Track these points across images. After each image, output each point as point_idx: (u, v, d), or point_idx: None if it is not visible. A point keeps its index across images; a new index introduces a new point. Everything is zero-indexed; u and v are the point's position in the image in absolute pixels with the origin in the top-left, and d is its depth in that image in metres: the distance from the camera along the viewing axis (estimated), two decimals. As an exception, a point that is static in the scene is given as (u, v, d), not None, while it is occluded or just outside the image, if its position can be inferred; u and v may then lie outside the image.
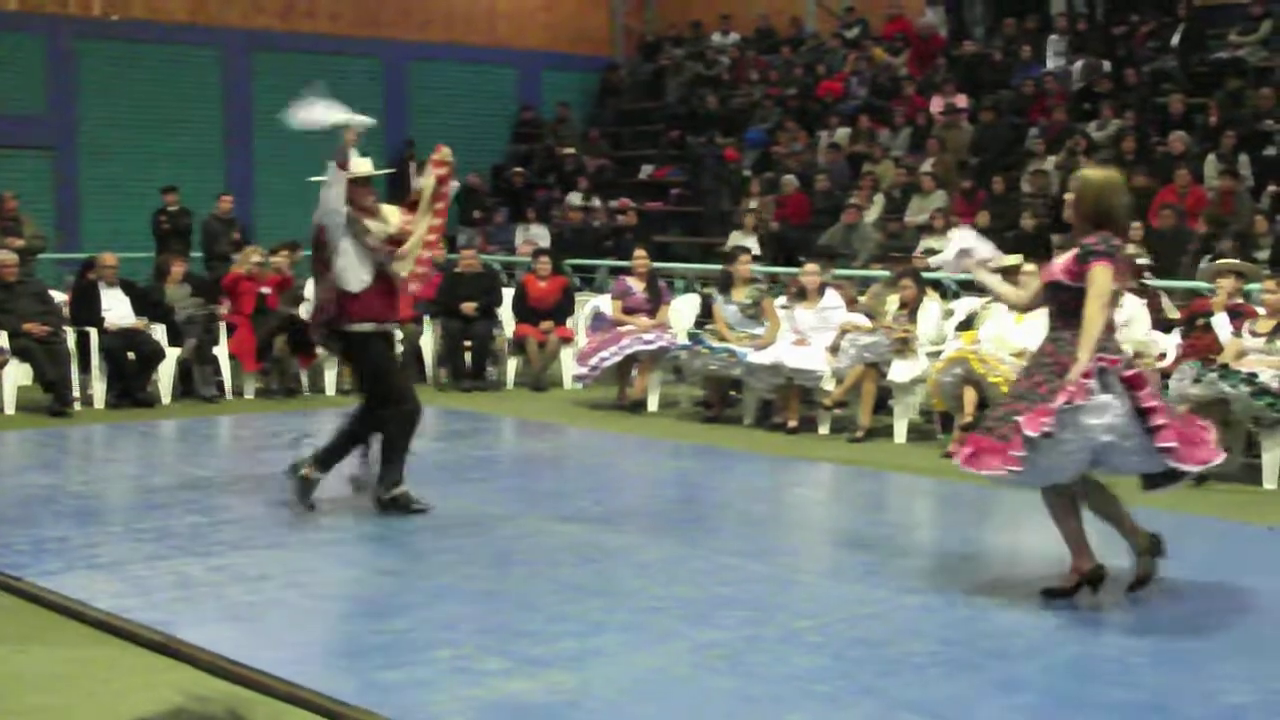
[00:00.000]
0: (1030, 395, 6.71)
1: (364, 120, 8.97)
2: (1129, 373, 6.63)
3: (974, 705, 5.41)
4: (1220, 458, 6.98)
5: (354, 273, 8.38)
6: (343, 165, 8.51)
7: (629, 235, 19.00)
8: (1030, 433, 6.45)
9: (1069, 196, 7.28)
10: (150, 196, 19.15)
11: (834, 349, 12.06)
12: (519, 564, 7.54)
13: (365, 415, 8.65)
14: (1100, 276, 6.66)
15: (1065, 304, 6.79)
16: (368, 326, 8.45)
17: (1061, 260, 6.96)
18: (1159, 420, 6.55)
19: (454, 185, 8.93)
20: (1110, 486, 6.98)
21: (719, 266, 15.24)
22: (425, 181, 8.72)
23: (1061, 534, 6.99)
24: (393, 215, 8.68)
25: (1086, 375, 6.49)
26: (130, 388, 13.25)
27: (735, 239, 17.43)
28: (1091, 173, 7.15)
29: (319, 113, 8.77)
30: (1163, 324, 11.50)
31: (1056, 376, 6.64)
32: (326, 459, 8.70)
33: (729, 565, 7.47)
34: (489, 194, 22.88)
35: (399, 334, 9.05)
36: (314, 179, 8.77)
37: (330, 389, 14.29)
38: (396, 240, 8.56)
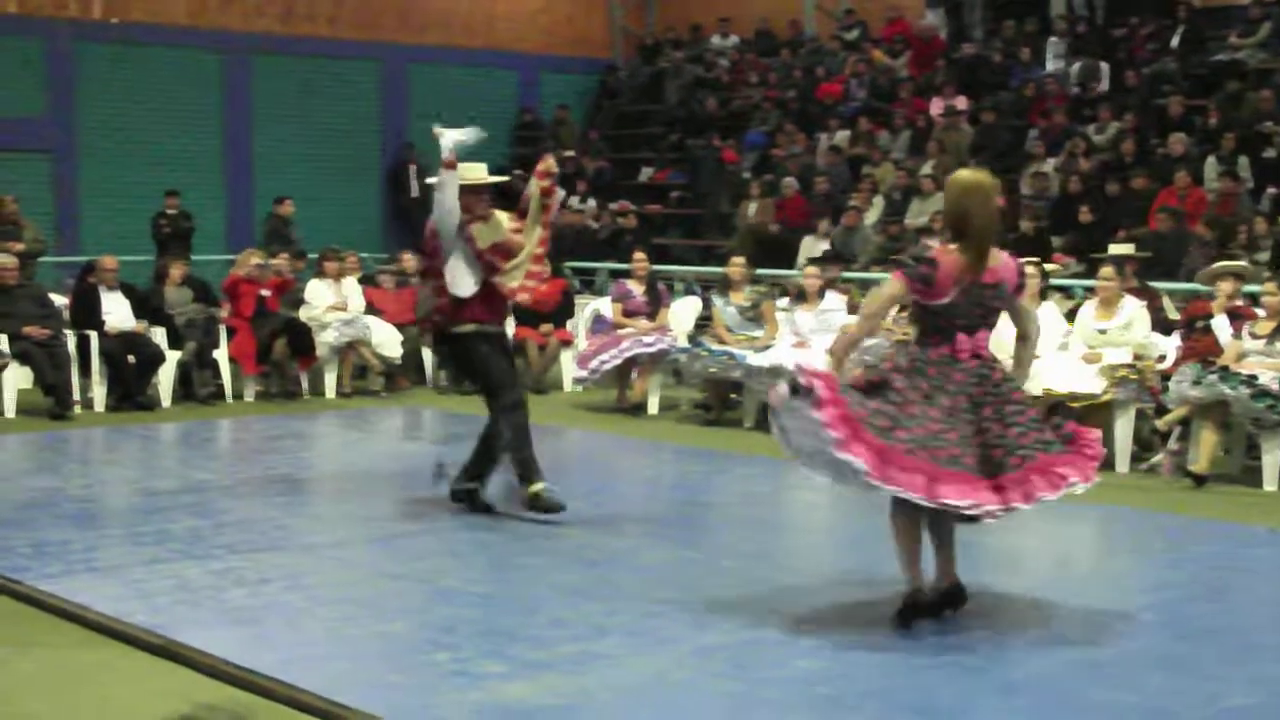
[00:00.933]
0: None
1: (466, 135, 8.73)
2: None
3: (974, 707, 5.41)
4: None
5: (462, 278, 8.41)
6: (450, 166, 8.45)
7: (629, 238, 18.98)
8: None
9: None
10: (150, 199, 19.17)
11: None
12: (518, 567, 7.54)
13: (492, 415, 8.72)
14: (886, 286, 6.52)
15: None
16: (470, 327, 8.51)
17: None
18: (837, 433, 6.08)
19: (560, 194, 8.90)
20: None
21: (719, 269, 15.24)
22: (531, 190, 8.68)
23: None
24: (504, 222, 8.63)
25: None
26: (130, 391, 13.25)
27: (807, 247, 17.14)
28: (960, 175, 6.57)
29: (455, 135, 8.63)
30: (1163, 326, 11.51)
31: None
32: (475, 471, 8.85)
33: (729, 568, 7.47)
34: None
35: (506, 333, 9.02)
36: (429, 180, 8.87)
37: (330, 391, 14.29)
38: (503, 248, 8.51)
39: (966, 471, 6.19)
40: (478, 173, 8.69)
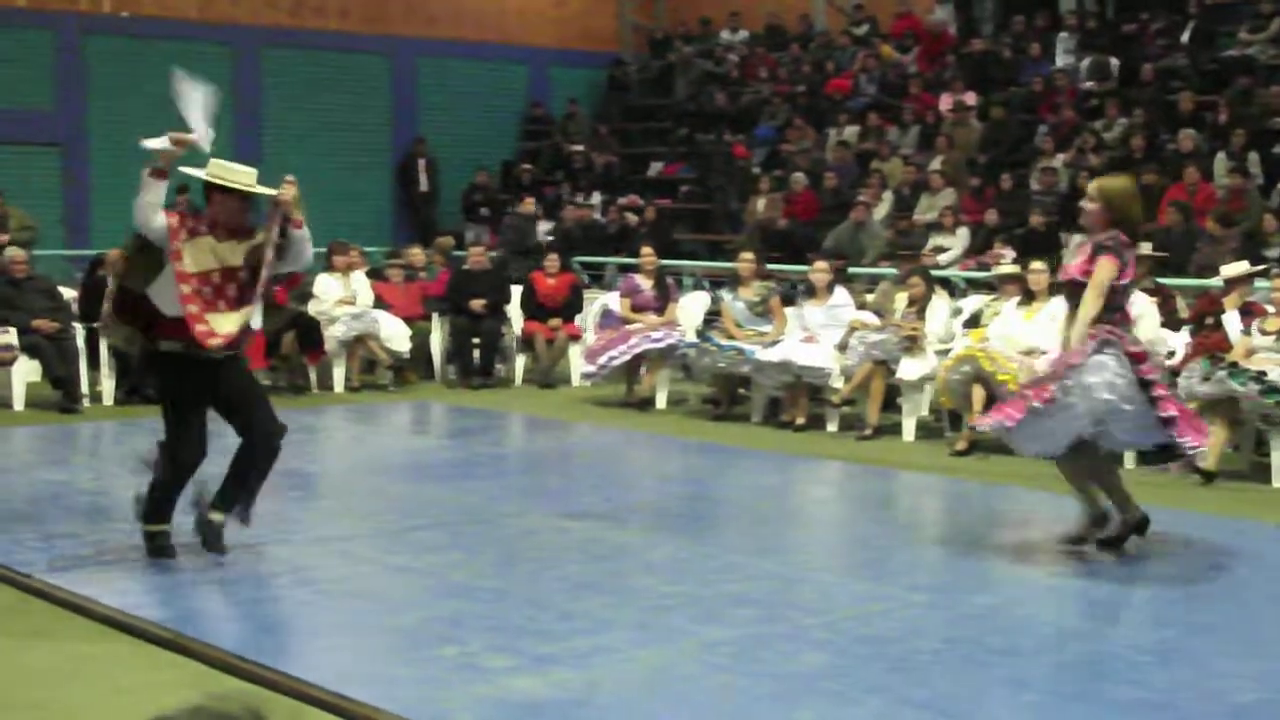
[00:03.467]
0: (1048, 376, 7.43)
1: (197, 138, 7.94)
2: (1134, 348, 7.28)
3: (981, 703, 5.41)
4: (1204, 447, 7.80)
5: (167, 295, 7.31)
6: (156, 175, 7.73)
7: (642, 231, 18.97)
8: (1035, 403, 7.26)
9: (1087, 204, 7.55)
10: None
11: (843, 346, 12.06)
12: (526, 561, 7.55)
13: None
14: (1102, 268, 7.28)
15: (1080, 299, 7.39)
16: (176, 346, 7.30)
17: (1077, 260, 7.54)
18: (1160, 391, 7.23)
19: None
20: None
21: (728, 264, 15.24)
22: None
23: (1105, 490, 7.73)
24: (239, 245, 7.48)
25: (1091, 349, 7.20)
26: (139, 384, 13.26)
27: (933, 240, 17.02)
28: (1110, 182, 7.72)
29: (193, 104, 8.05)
30: (1172, 322, 11.49)
31: None
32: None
33: (737, 563, 7.48)
34: (498, 191, 22.89)
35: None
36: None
37: (338, 386, 14.30)
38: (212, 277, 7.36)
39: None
40: (236, 175, 7.72)
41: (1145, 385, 7.23)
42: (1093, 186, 7.78)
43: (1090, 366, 7.21)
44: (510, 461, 11.32)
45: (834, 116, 20.87)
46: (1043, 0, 21.10)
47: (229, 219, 7.51)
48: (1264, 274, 11.60)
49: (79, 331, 13.10)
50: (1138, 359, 7.26)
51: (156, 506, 7.36)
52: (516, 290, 15.37)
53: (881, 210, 18.26)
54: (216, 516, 7.40)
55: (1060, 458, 7.67)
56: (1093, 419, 7.25)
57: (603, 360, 13.18)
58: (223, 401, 7.50)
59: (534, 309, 15.00)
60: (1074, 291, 7.46)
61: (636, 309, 13.64)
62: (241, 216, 7.56)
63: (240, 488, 7.47)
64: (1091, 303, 7.31)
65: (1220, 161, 16.33)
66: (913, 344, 11.79)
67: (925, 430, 12.00)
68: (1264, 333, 10.31)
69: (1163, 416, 7.23)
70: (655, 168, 22.41)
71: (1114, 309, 7.40)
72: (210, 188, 7.67)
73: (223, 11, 21.83)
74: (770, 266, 14.78)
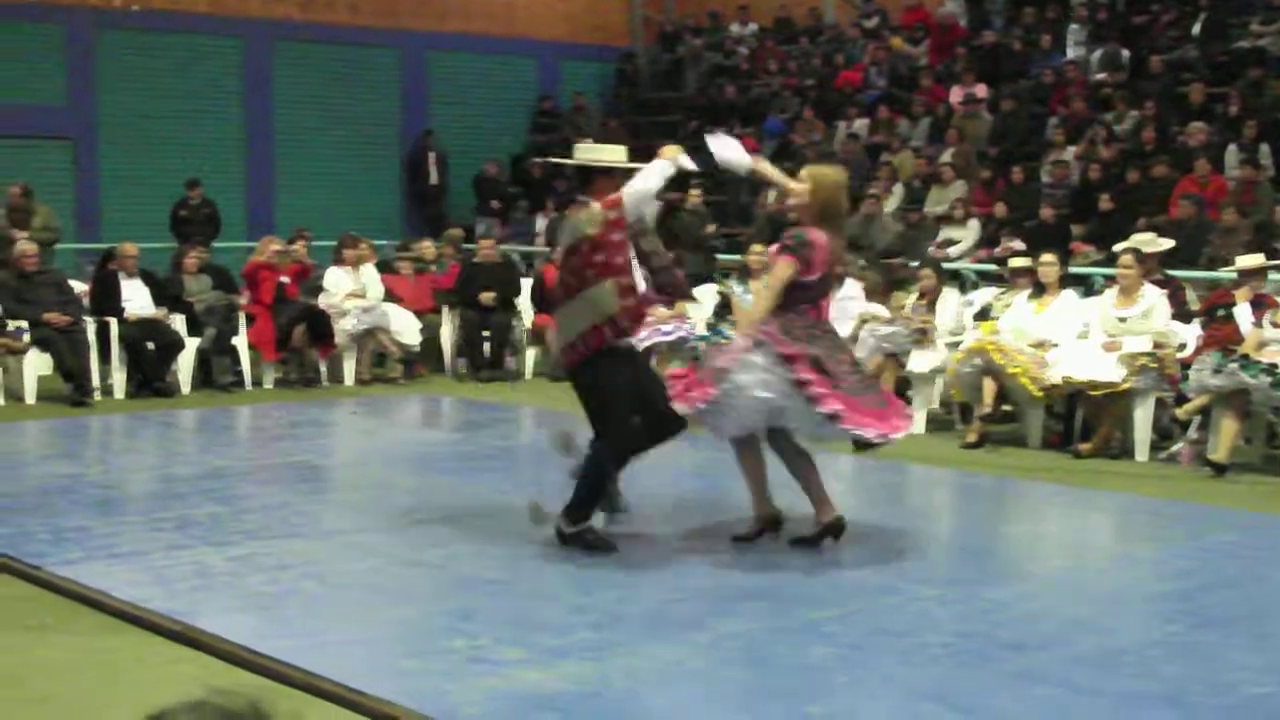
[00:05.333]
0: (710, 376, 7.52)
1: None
2: (788, 349, 7.22)
3: (992, 696, 5.40)
4: (906, 427, 7.57)
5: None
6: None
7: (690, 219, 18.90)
8: (700, 404, 7.36)
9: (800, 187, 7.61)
10: (170, 187, 19.21)
11: (853, 339, 12.03)
12: (536, 554, 7.54)
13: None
14: (779, 267, 7.41)
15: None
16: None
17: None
18: (817, 390, 7.17)
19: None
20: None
21: (738, 256, 15.22)
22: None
23: (803, 489, 7.68)
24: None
25: (745, 347, 7.31)
26: (150, 378, 13.29)
27: (944, 233, 17.04)
28: (821, 170, 7.86)
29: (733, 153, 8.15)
30: (1183, 314, 11.47)
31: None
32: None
33: (747, 556, 7.47)
34: (508, 184, 22.89)
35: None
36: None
37: (349, 379, 14.32)
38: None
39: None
40: (613, 155, 7.95)
41: (800, 385, 7.19)
42: (804, 172, 7.76)
43: (741, 366, 7.27)
44: (520, 454, 11.32)
45: (844, 109, 20.84)
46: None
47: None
48: (1277, 267, 11.57)
49: (90, 324, 13.12)
50: (790, 360, 7.20)
51: (588, 504, 7.57)
52: (526, 283, 15.37)
53: (892, 203, 18.24)
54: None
55: (742, 454, 7.69)
56: (759, 415, 7.34)
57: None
58: (638, 392, 7.61)
59: (544, 302, 14.98)
60: None
61: (646, 302, 13.60)
62: None
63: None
64: (763, 301, 7.45)
65: (1231, 153, 16.29)
66: (923, 337, 11.77)
67: (936, 423, 11.98)
68: (1275, 325, 10.28)
69: (825, 413, 7.18)
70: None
71: (799, 305, 7.39)
72: (591, 170, 7.72)
73: (233, 5, 21.84)
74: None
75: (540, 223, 21.00)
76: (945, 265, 13.94)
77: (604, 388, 7.50)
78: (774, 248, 7.77)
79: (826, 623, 6.27)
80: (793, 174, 8.04)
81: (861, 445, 7.84)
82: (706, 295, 14.51)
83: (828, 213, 7.53)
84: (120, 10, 20.82)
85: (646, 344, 13.04)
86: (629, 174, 7.60)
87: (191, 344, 13.58)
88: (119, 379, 13.22)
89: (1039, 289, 11.30)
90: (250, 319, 13.92)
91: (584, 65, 25.01)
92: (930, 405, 11.99)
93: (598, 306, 7.46)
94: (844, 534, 7.60)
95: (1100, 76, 18.98)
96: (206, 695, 2.10)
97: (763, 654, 5.84)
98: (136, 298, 13.46)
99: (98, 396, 12.94)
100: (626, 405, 7.51)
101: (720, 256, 18.30)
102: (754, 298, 7.81)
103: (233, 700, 2.09)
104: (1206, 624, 6.40)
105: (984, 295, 12.85)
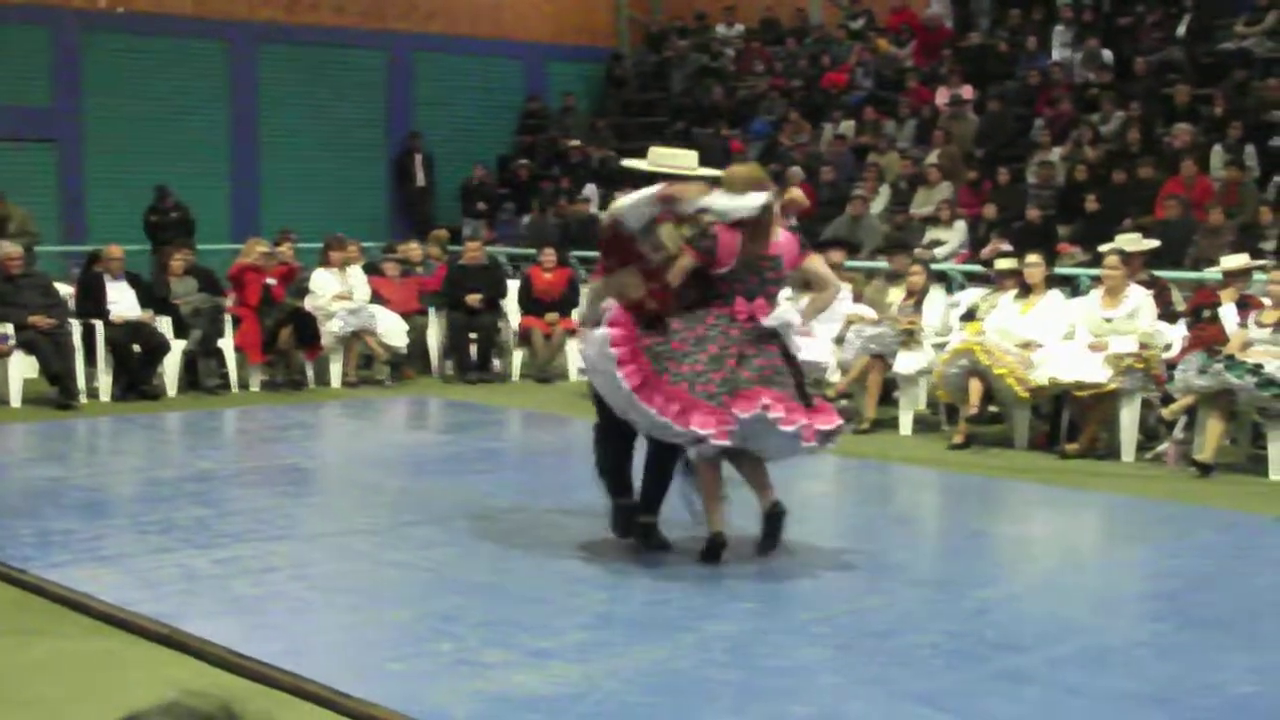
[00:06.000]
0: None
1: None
2: (622, 338, 7.10)
3: (979, 696, 5.41)
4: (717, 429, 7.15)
5: None
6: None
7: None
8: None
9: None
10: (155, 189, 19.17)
11: (839, 340, 12.05)
12: (523, 556, 7.53)
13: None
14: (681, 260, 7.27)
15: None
16: None
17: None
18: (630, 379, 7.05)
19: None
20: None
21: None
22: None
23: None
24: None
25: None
26: (136, 380, 13.25)
27: (930, 234, 17.03)
28: (744, 168, 7.79)
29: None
30: (1169, 315, 11.49)
31: None
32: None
33: (734, 557, 7.46)
34: (495, 186, 22.88)
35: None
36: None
37: (335, 381, 14.30)
38: None
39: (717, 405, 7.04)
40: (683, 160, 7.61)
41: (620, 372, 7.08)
42: (726, 172, 7.62)
43: (586, 343, 7.40)
44: (507, 456, 11.31)
45: (830, 110, 20.86)
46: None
47: None
48: (1262, 268, 11.60)
49: (75, 327, 13.08)
50: (622, 361, 7.06)
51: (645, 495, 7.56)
52: (513, 285, 15.37)
53: (878, 204, 18.26)
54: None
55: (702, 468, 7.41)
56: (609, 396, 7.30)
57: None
58: None
59: (531, 304, 14.99)
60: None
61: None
62: None
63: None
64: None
65: (1217, 154, 16.32)
66: (909, 338, 11.79)
67: (922, 424, 12.00)
68: (1261, 325, 10.31)
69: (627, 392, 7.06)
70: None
71: (715, 297, 7.27)
72: (660, 177, 7.42)
73: (218, 7, 21.80)
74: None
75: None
76: (932, 266, 13.95)
77: None
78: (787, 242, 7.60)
79: (814, 624, 6.27)
80: (778, 176, 8.02)
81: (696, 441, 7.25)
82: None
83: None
84: (105, 12, 20.79)
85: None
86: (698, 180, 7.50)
87: (177, 346, 13.54)
88: (105, 381, 13.19)
89: (1025, 290, 11.32)
90: (236, 321, 13.89)
91: (570, 66, 25.00)
92: (917, 406, 12.01)
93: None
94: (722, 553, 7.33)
95: (1086, 77, 19.01)
96: (179, 696, 2.09)
97: (750, 655, 5.83)
98: (122, 300, 13.42)
99: (83, 399, 12.90)
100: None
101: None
102: None
103: (205, 701, 2.08)
104: (1193, 624, 6.41)
105: (970, 296, 12.86)
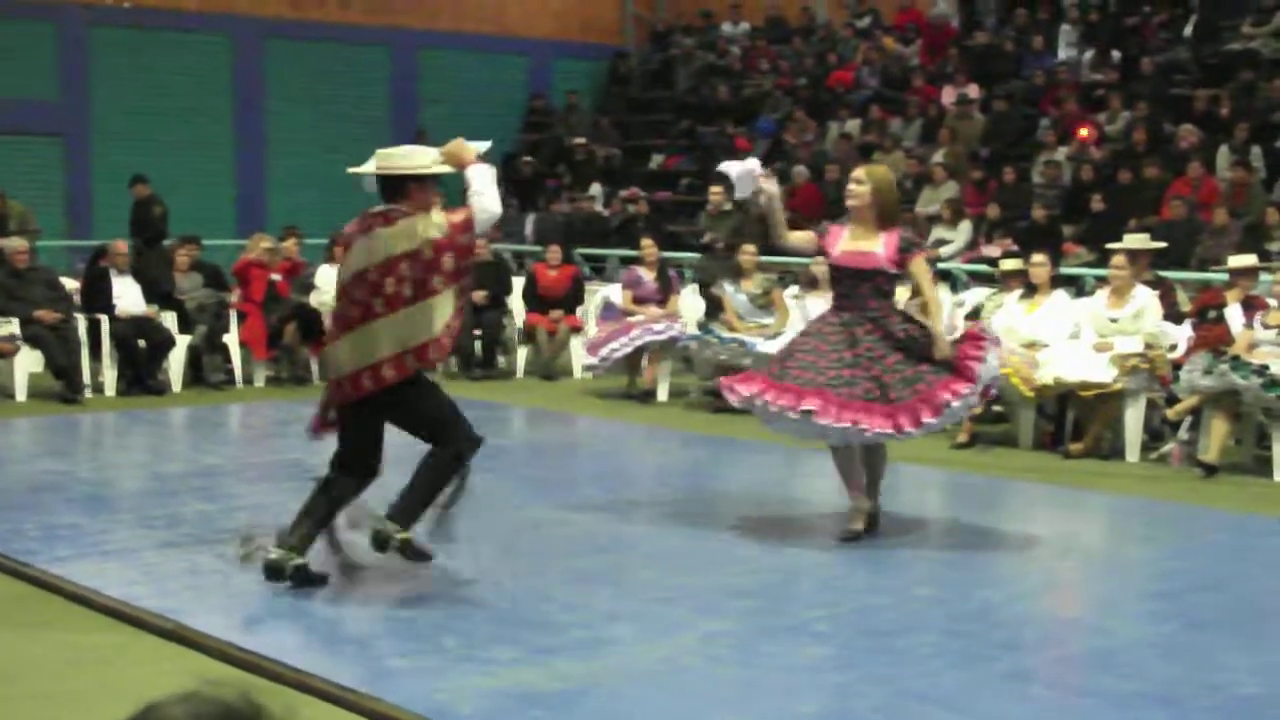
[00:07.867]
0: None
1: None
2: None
3: (983, 696, 5.41)
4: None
5: None
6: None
7: (639, 225, 18.96)
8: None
9: (857, 189, 7.78)
10: (161, 184, 19.14)
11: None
12: (528, 553, 7.54)
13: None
14: (925, 266, 7.94)
15: (880, 286, 7.78)
16: None
17: (879, 248, 7.71)
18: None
19: None
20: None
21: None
22: None
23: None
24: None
25: None
26: (141, 375, 13.26)
27: (935, 233, 16.98)
28: (876, 169, 8.24)
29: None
30: (1174, 315, 11.48)
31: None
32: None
33: (738, 555, 7.47)
34: (499, 183, 22.84)
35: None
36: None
37: (340, 377, 14.28)
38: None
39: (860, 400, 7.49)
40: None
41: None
42: (860, 173, 7.99)
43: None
44: (512, 453, 11.30)
45: (836, 109, 20.86)
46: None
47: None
48: (1268, 268, 11.60)
49: (81, 322, 13.09)
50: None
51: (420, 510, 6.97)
52: (517, 282, 15.37)
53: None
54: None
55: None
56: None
57: (604, 352, 13.16)
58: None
59: (536, 301, 14.99)
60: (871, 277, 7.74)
61: (638, 301, 13.63)
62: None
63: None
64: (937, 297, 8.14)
65: (1223, 155, 16.32)
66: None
67: (927, 423, 11.97)
68: (1266, 326, 10.30)
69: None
70: (656, 160, 22.40)
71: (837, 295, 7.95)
72: (410, 179, 7.10)
73: (224, 2, 21.83)
74: (772, 259, 14.75)
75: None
76: (937, 265, 13.93)
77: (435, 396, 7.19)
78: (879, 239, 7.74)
79: (817, 622, 6.27)
80: (785, 173, 8.11)
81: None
82: (697, 294, 14.52)
83: (886, 211, 7.79)
84: (112, 7, 20.80)
85: (639, 342, 13.17)
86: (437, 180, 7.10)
87: (182, 341, 13.55)
88: (110, 376, 13.19)
89: (1030, 289, 11.31)
90: (241, 316, 13.90)
91: (575, 64, 25.00)
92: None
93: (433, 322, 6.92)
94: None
95: (1093, 77, 19.01)
96: (199, 686, 2.10)
97: (754, 653, 5.84)
98: (128, 295, 13.43)
99: (89, 394, 12.90)
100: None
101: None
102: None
103: (224, 691, 2.09)
104: (1197, 624, 6.41)
105: (975, 295, 12.85)
